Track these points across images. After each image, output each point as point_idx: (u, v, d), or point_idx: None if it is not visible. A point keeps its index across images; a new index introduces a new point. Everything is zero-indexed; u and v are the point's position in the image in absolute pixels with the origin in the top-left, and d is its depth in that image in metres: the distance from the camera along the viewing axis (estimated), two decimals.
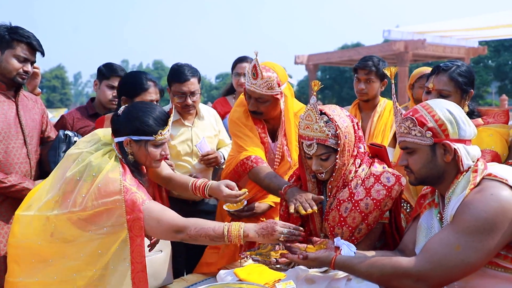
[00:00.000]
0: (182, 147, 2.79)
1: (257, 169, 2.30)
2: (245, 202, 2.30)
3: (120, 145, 1.80)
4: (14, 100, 2.35)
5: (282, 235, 1.72)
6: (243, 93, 2.51)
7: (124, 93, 2.40)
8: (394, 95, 1.82)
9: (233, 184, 2.05)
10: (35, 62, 2.40)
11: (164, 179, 2.19)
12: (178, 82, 2.68)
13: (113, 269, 1.67)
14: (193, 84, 2.70)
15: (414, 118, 1.58)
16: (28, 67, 2.33)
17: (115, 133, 1.82)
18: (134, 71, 2.57)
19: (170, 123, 1.86)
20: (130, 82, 2.41)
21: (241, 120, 2.49)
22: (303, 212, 1.88)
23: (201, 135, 2.86)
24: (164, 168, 2.20)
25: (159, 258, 2.13)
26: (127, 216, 1.66)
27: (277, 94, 2.37)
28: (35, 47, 2.33)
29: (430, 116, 1.56)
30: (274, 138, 2.55)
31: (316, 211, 1.92)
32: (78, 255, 1.67)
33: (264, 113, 2.43)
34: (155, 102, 2.38)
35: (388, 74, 1.82)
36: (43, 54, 2.40)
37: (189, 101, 2.71)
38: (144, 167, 1.94)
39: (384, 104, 3.04)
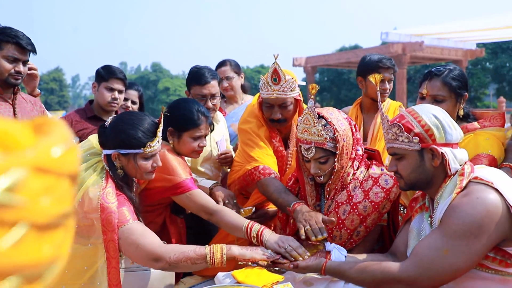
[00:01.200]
0: (202, 153, 2.67)
1: (265, 182, 2.23)
2: (254, 209, 2.30)
3: (108, 157, 1.76)
4: (11, 102, 2.33)
5: (268, 254, 1.73)
6: (256, 105, 2.45)
7: (172, 124, 2.18)
8: (380, 103, 1.82)
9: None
10: (27, 61, 2.34)
11: (210, 210, 2.03)
12: (198, 84, 2.59)
13: (99, 286, 1.66)
14: (213, 86, 2.62)
15: (400, 124, 1.59)
16: (20, 67, 2.28)
17: (102, 146, 1.78)
18: (187, 100, 2.33)
19: (159, 134, 1.81)
20: (182, 116, 2.19)
21: (253, 130, 2.42)
22: (313, 239, 1.80)
23: (217, 139, 2.77)
24: (213, 200, 2.10)
25: (155, 273, 2.01)
26: (103, 236, 1.65)
27: (298, 95, 2.37)
28: (24, 46, 2.27)
29: (416, 121, 1.57)
30: (286, 146, 2.51)
31: (327, 238, 1.83)
32: (64, 267, 1.66)
33: (287, 119, 2.38)
34: (204, 137, 2.23)
35: (373, 81, 1.81)
36: (34, 52, 2.34)
37: (210, 104, 2.61)
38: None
39: (388, 105, 2.90)
